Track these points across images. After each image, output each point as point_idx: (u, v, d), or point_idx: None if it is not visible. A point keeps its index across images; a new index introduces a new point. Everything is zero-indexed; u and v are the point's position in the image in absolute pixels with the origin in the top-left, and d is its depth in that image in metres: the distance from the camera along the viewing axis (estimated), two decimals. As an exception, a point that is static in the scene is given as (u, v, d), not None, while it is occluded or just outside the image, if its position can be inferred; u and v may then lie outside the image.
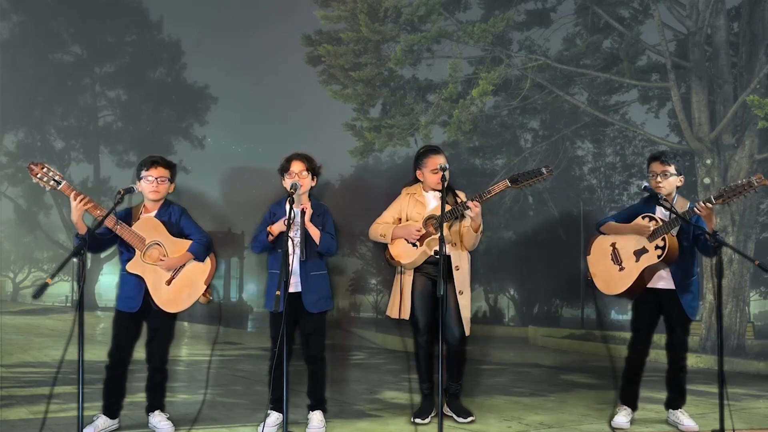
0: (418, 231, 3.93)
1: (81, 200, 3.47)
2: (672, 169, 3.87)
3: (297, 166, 3.72)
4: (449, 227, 3.92)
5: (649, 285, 3.90)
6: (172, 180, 3.77)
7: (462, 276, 3.98)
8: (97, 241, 3.57)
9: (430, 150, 4.07)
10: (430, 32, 8.24)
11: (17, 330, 7.87)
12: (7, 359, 6.12)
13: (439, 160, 3.94)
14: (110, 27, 9.38)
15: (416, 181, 4.13)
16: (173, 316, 3.73)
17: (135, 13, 9.41)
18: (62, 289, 9.46)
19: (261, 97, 8.72)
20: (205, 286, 3.71)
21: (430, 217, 3.96)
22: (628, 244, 3.93)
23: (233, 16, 8.50)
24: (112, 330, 3.68)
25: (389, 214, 4.12)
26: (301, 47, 8.57)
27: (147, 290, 3.62)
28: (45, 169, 3.54)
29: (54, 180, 3.52)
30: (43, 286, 2.92)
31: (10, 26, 8.90)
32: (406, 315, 3.99)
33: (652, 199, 3.87)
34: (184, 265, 3.67)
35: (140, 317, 3.68)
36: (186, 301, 3.68)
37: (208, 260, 3.76)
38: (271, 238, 3.67)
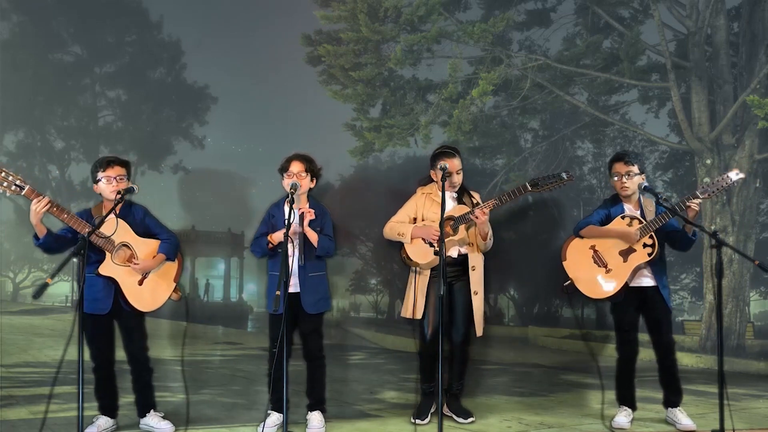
0: (437, 233, 3.89)
1: (44, 205, 3.40)
2: (636, 168, 3.92)
3: (296, 167, 3.71)
4: (467, 228, 3.91)
5: (633, 284, 3.92)
6: (129, 178, 3.72)
7: (477, 276, 3.98)
8: (59, 242, 3.54)
9: (443, 152, 4.04)
10: (430, 32, 8.23)
11: (17, 330, 7.87)
12: (7, 359, 6.11)
13: (453, 164, 3.93)
14: (110, 27, 9.38)
15: (431, 179, 4.12)
16: (143, 314, 3.73)
17: (135, 13, 9.41)
18: (62, 289, 9.46)
19: (261, 97, 8.72)
20: (174, 284, 3.73)
21: (448, 218, 3.93)
22: (610, 245, 3.93)
23: (233, 16, 8.50)
24: (86, 334, 3.59)
25: (404, 213, 4.08)
26: (301, 47, 8.56)
27: (116, 292, 3.61)
28: (3, 174, 3.40)
29: (15, 185, 3.40)
30: (43, 286, 2.91)
31: (10, 26, 8.89)
32: (418, 315, 3.98)
33: (616, 198, 3.96)
34: None
35: (110, 318, 3.67)
36: (160, 300, 3.70)
37: (176, 258, 3.78)
38: (271, 245, 3.67)
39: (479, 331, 3.98)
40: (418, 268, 4.02)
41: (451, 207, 3.95)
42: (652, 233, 3.80)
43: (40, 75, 9.06)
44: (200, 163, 9.04)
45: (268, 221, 3.79)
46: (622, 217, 3.92)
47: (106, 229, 3.52)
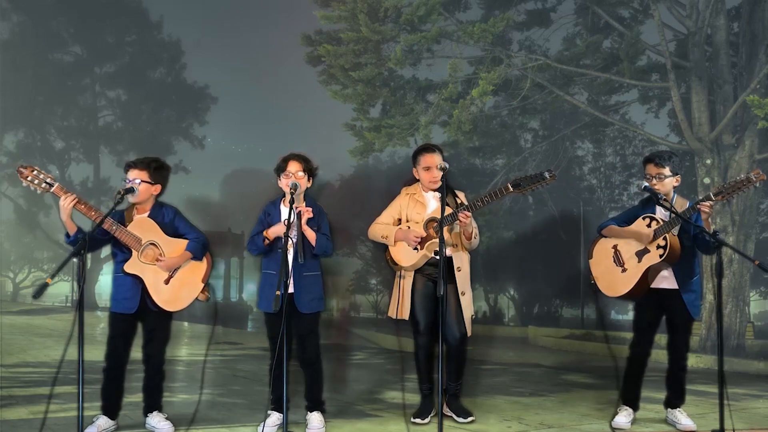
0: (416, 239, 3.91)
1: (71, 200, 3.43)
2: (667, 170, 3.87)
3: (294, 166, 3.70)
4: (449, 230, 3.91)
5: (653, 285, 3.90)
6: (154, 180, 3.70)
7: (463, 277, 3.98)
8: (93, 241, 3.54)
9: (425, 148, 4.04)
10: (430, 32, 8.23)
11: (17, 330, 7.87)
12: (7, 359, 6.12)
13: (433, 159, 3.92)
14: (110, 27, 9.39)
15: (416, 180, 4.12)
16: (169, 317, 3.72)
17: (135, 13, 9.42)
18: (62, 289, 9.47)
19: (261, 97, 8.73)
20: (202, 284, 3.71)
21: (431, 220, 3.94)
22: (629, 245, 3.93)
23: (233, 16, 8.51)
24: (108, 332, 3.65)
25: (389, 214, 4.09)
26: (301, 47, 8.57)
27: (143, 291, 3.61)
28: (35, 172, 3.45)
29: (46, 182, 3.44)
30: (43, 286, 2.91)
31: (10, 26, 8.90)
32: (405, 315, 3.98)
33: (651, 199, 3.87)
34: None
35: (136, 318, 3.67)
36: (185, 300, 3.67)
37: (204, 258, 3.76)
38: (267, 242, 3.65)
39: (469, 331, 3.99)
40: (402, 271, 4.02)
41: (434, 208, 3.93)
42: (666, 235, 3.78)
43: (40, 75, 9.07)
44: (200, 163, 9.06)
45: (263, 220, 3.78)
46: (643, 218, 3.90)
47: (133, 229, 3.57)
